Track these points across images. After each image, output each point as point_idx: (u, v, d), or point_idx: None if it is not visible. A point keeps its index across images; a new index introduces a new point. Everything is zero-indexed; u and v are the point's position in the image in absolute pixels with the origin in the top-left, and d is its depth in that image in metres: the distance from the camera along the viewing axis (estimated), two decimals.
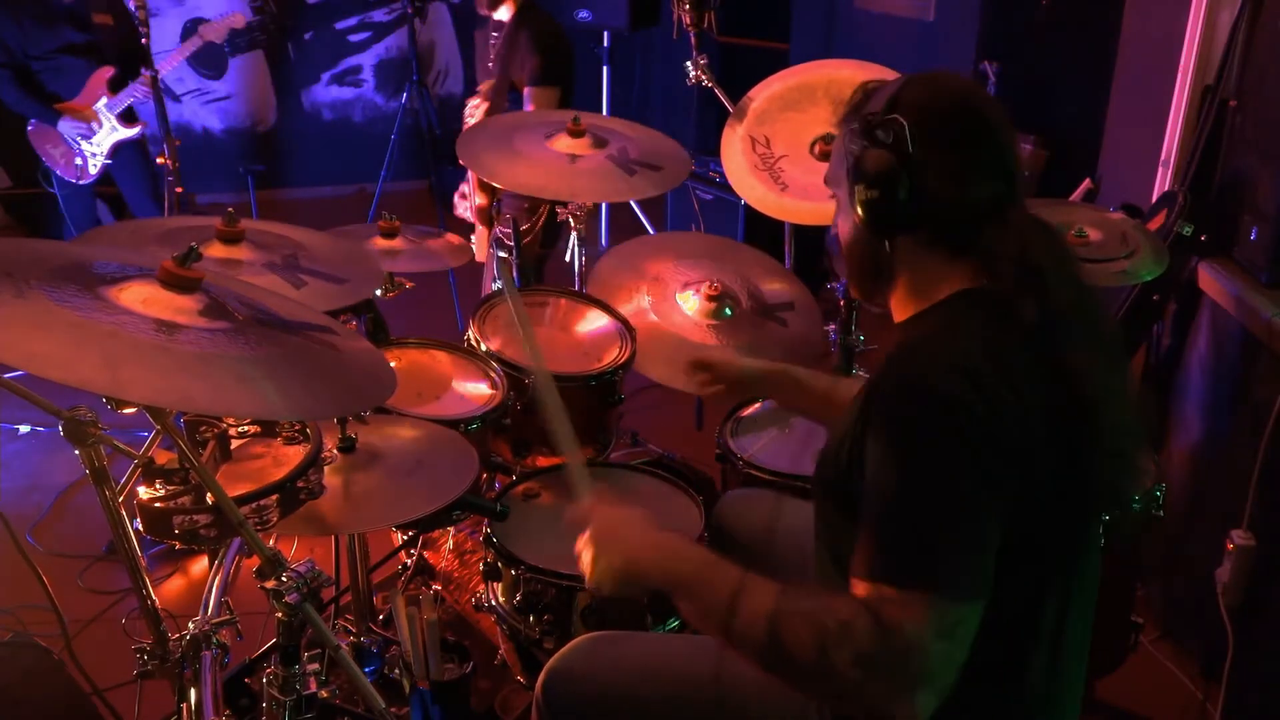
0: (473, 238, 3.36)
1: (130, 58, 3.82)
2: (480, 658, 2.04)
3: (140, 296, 1.26)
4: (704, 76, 2.92)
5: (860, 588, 1.11)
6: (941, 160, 1.22)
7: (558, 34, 3.55)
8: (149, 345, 1.18)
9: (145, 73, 3.53)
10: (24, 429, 3.47)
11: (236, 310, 1.34)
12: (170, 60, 3.90)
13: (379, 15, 6.21)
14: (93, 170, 3.85)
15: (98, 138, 3.79)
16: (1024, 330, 1.17)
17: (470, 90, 6.45)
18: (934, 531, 1.10)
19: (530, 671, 1.91)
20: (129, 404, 1.35)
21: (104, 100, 3.77)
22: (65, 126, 3.77)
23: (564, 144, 2.52)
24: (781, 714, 1.40)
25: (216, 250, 1.83)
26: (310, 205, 5.89)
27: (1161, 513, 2.01)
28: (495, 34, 3.60)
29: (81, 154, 3.82)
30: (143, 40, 3.40)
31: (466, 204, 3.62)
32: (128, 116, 3.80)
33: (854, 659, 1.06)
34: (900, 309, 1.33)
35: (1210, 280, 2.46)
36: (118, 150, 3.82)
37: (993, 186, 1.24)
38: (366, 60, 6.26)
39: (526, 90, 3.45)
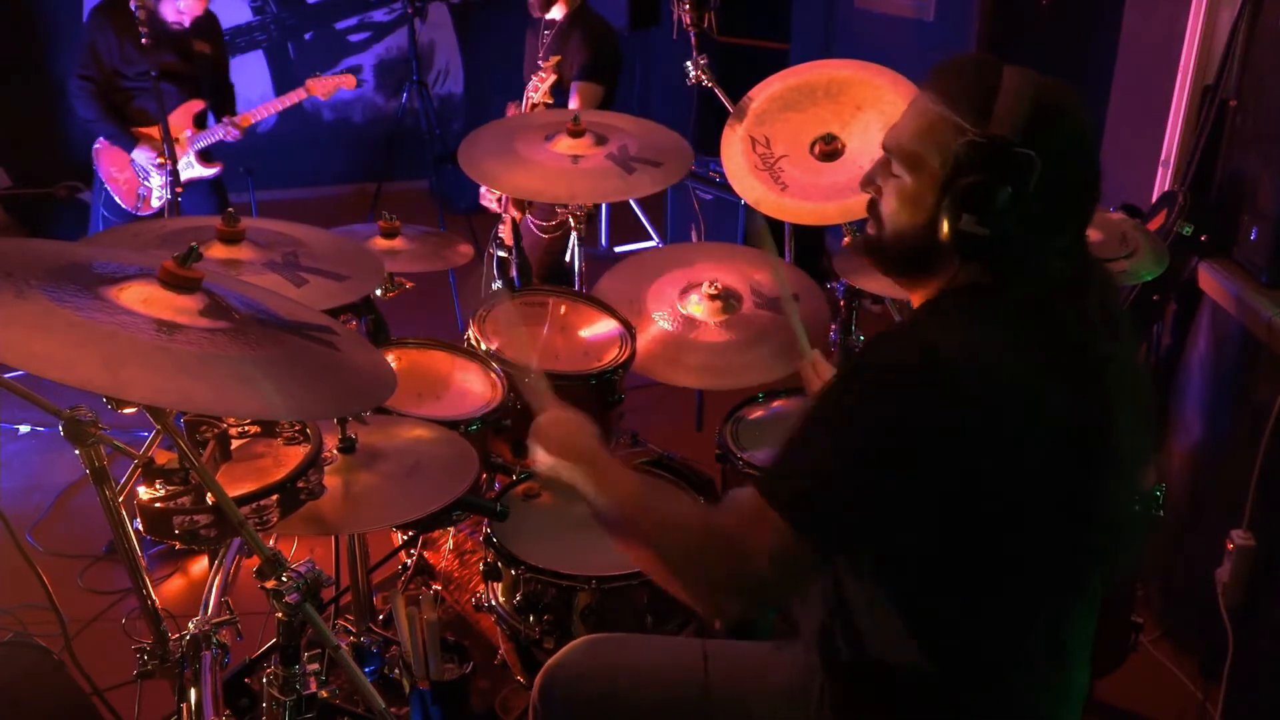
0: (500, 228, 3.36)
1: (219, 92, 3.74)
2: (480, 658, 2.04)
3: (140, 296, 1.26)
4: (704, 76, 2.91)
5: (746, 493, 1.15)
6: (1051, 210, 1.15)
7: (610, 34, 3.60)
8: (149, 345, 1.18)
9: (232, 119, 3.51)
10: (24, 429, 3.47)
11: (237, 310, 1.34)
12: (266, 109, 3.80)
13: (379, 15, 6.21)
14: (154, 204, 3.70)
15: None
16: (1053, 344, 1.14)
17: (471, 90, 6.50)
18: (828, 475, 1.12)
19: (530, 671, 1.91)
20: (129, 404, 1.35)
21: (187, 133, 3.66)
22: (141, 154, 3.63)
23: (565, 145, 2.51)
24: (779, 714, 1.40)
25: (217, 250, 1.83)
26: (310, 205, 5.89)
27: (1161, 513, 2.01)
28: (547, 32, 3.61)
29: (148, 184, 3.69)
30: (139, 33, 3.29)
31: (493, 196, 3.62)
32: (206, 155, 3.70)
33: (694, 552, 1.16)
34: (921, 295, 1.28)
35: (1210, 280, 2.46)
36: (189, 186, 3.67)
37: (1074, 234, 1.21)
38: (366, 60, 6.26)
39: (574, 84, 3.47)
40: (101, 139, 3.70)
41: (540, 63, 3.54)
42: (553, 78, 3.32)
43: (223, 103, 3.85)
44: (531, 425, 1.42)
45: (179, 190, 3.41)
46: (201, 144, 3.71)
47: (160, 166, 3.62)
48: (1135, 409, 1.18)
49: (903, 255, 1.25)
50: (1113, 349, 1.17)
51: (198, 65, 3.70)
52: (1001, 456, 1.10)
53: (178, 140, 3.65)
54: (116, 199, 3.74)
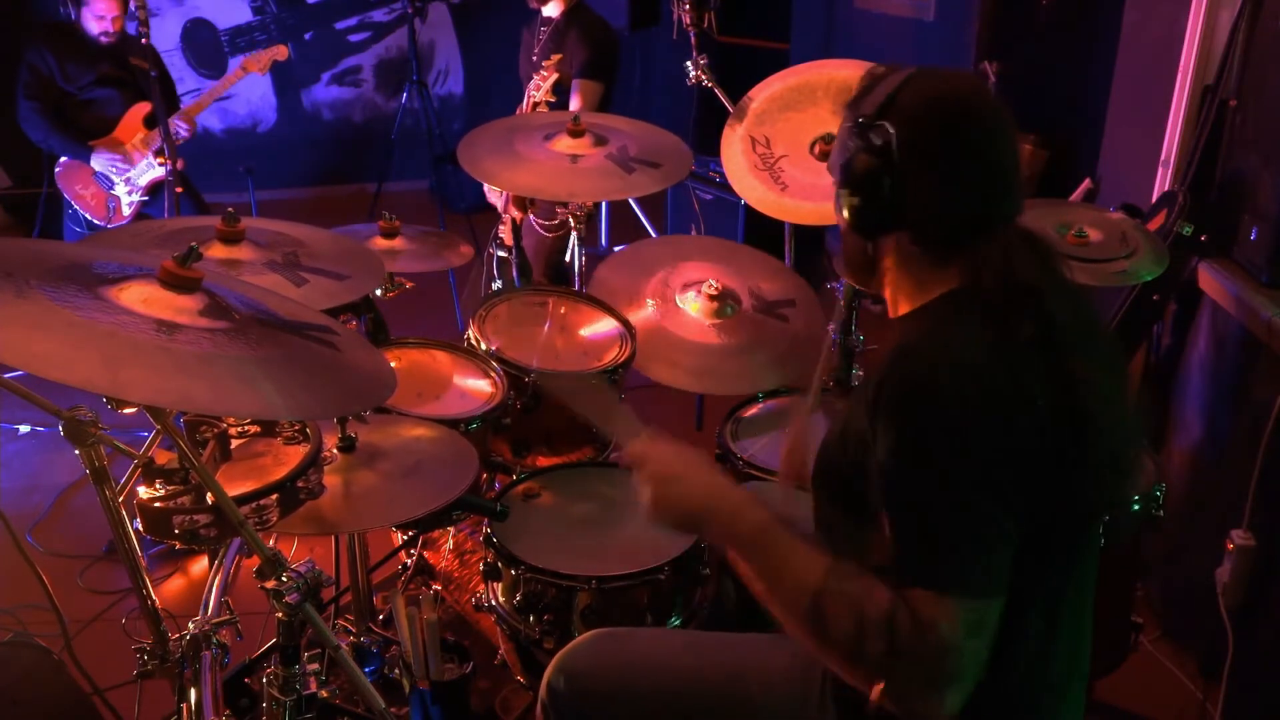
0: (500, 228, 3.36)
1: (168, 97, 3.75)
2: (480, 658, 2.04)
3: (140, 296, 1.26)
4: (704, 76, 2.92)
5: (896, 586, 1.12)
6: (926, 172, 1.22)
7: (608, 31, 3.59)
8: (149, 345, 1.18)
9: (179, 112, 3.51)
10: (24, 429, 3.47)
11: (237, 310, 1.34)
12: (208, 96, 3.83)
13: (379, 15, 6.21)
14: (125, 211, 3.73)
15: (134, 173, 3.70)
16: (1021, 336, 1.17)
17: (471, 90, 6.50)
18: (957, 535, 1.12)
19: (530, 671, 1.91)
20: (129, 404, 1.35)
21: (141, 135, 3.70)
22: (100, 160, 3.67)
23: (564, 144, 2.52)
24: (785, 708, 1.40)
25: (217, 250, 1.83)
26: (310, 205, 5.89)
27: (1161, 513, 2.01)
28: (543, 29, 3.61)
29: (114, 193, 3.72)
30: (142, 40, 3.36)
31: (496, 192, 3.63)
32: (164, 153, 3.70)
33: (889, 650, 1.09)
34: (894, 304, 1.34)
35: (1210, 280, 2.46)
36: (156, 189, 3.72)
37: (979, 201, 1.24)
38: (366, 60, 6.26)
39: (575, 83, 3.47)
40: (61, 162, 3.75)
41: (536, 60, 3.54)
42: (555, 76, 3.32)
43: (169, 105, 3.86)
44: (634, 459, 1.32)
45: (179, 190, 3.41)
46: (158, 143, 3.71)
47: (121, 171, 3.69)
48: (1102, 364, 1.22)
49: (847, 254, 1.36)
50: (1060, 308, 1.20)
51: (136, 74, 3.73)
52: (1019, 452, 1.13)
53: (132, 143, 3.71)
54: (88, 216, 3.78)
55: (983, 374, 1.14)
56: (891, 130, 1.21)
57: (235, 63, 4.02)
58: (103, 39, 3.68)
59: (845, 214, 1.29)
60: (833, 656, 1.16)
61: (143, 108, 3.72)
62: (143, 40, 3.34)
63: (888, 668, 1.10)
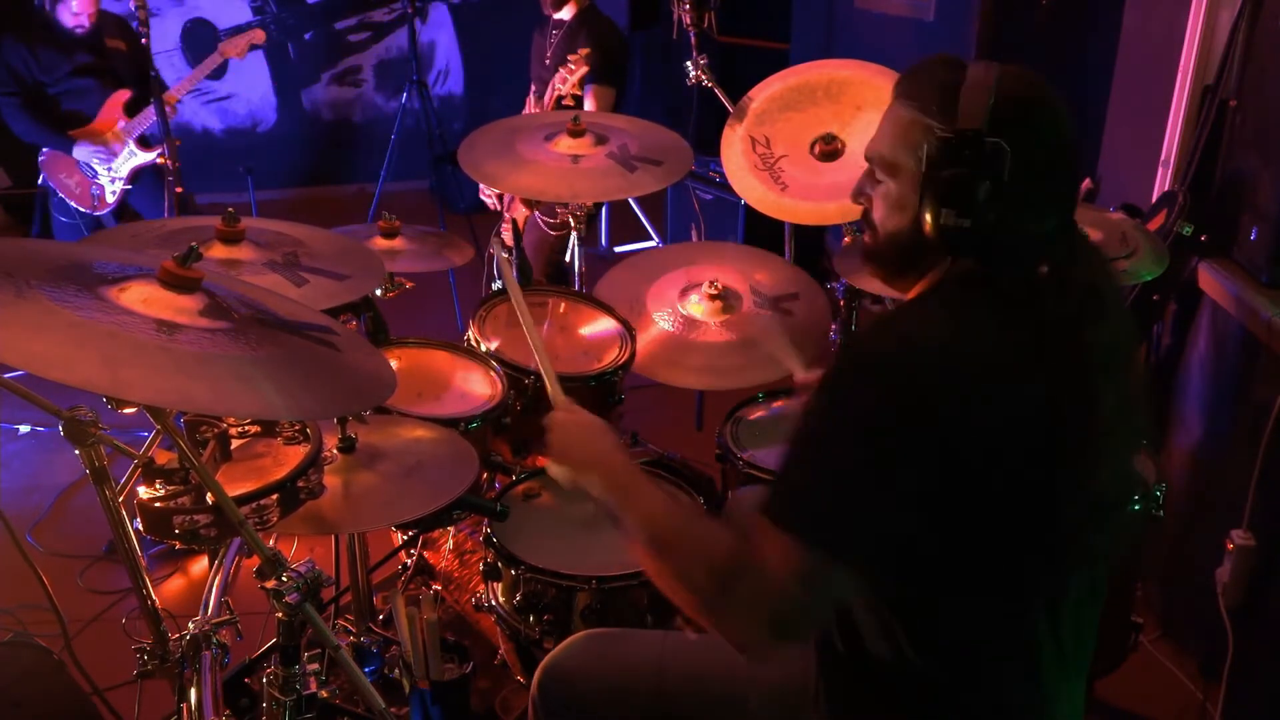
0: (500, 228, 3.36)
1: (145, 80, 3.77)
2: (480, 658, 2.04)
3: (140, 296, 1.26)
4: (704, 76, 2.91)
5: (753, 519, 1.14)
6: (1032, 195, 1.16)
7: (618, 35, 3.61)
8: (149, 345, 1.18)
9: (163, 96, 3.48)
10: (24, 429, 3.47)
11: (236, 310, 1.34)
12: (189, 81, 3.84)
13: (379, 15, 6.21)
14: (109, 199, 3.75)
15: (116, 162, 3.71)
16: (1039, 327, 1.14)
17: (471, 90, 6.50)
18: (824, 482, 1.12)
19: (530, 671, 1.90)
20: (129, 404, 1.35)
21: (121, 124, 3.71)
22: (81, 151, 3.68)
23: (565, 145, 2.52)
24: (777, 710, 1.40)
25: (217, 250, 1.83)
26: (310, 205, 5.89)
27: (1161, 513, 2.01)
28: (555, 31, 3.62)
29: (98, 182, 3.73)
30: (142, 40, 3.36)
31: (491, 193, 3.63)
32: (145, 141, 3.73)
33: (721, 584, 1.12)
34: (908, 290, 1.30)
35: (1210, 280, 2.46)
36: (137, 176, 3.75)
37: (1057, 220, 1.20)
38: (366, 60, 6.26)
39: (588, 88, 3.47)
40: (45, 150, 3.78)
41: (549, 63, 3.54)
42: (584, 69, 3.32)
43: (150, 90, 3.87)
44: (546, 425, 1.42)
45: (179, 191, 3.41)
46: (138, 131, 3.74)
47: (104, 160, 3.70)
48: (1121, 390, 1.20)
49: (897, 257, 1.28)
50: (1097, 332, 1.17)
51: (114, 60, 3.76)
52: (980, 445, 1.11)
53: (112, 132, 3.72)
54: (72, 204, 3.80)
55: (944, 351, 1.12)
56: (1008, 151, 1.13)
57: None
58: (78, 31, 3.69)
59: (934, 233, 1.17)
60: (682, 598, 1.18)
61: (121, 95, 3.74)
62: (143, 40, 3.35)
63: (720, 603, 1.13)
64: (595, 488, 1.35)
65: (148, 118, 3.71)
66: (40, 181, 3.90)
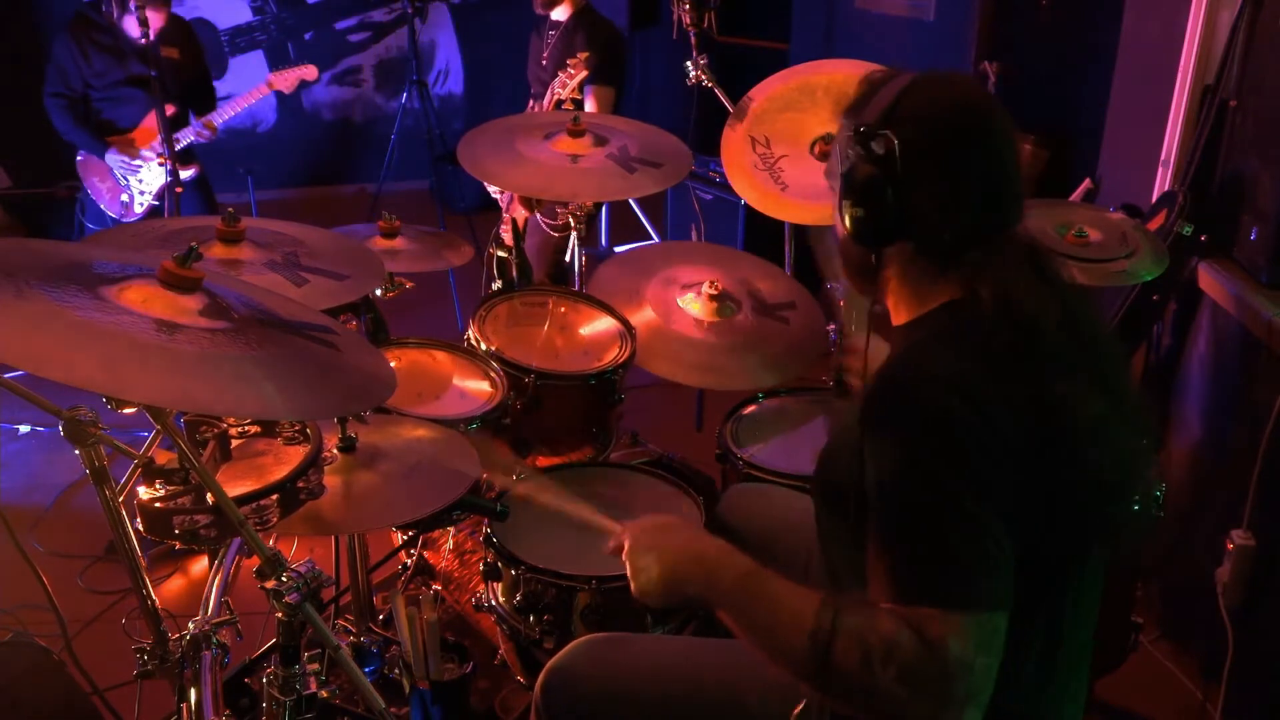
0: (500, 228, 3.36)
1: (193, 95, 3.75)
2: (480, 658, 2.04)
3: (140, 296, 1.26)
4: (704, 76, 2.92)
5: (897, 606, 1.10)
6: (930, 182, 1.21)
7: (615, 34, 3.60)
8: (149, 345, 1.18)
9: (203, 119, 3.53)
10: (24, 429, 3.47)
11: (236, 310, 1.34)
12: (235, 105, 3.82)
13: (379, 15, 6.21)
14: (138, 209, 3.72)
15: (144, 174, 3.69)
16: (1010, 349, 1.17)
17: (471, 90, 6.50)
18: (957, 547, 1.09)
19: (530, 671, 1.91)
20: (129, 404, 1.35)
21: (157, 140, 3.63)
22: (113, 159, 3.67)
23: (565, 144, 2.52)
24: (780, 715, 1.40)
25: (217, 250, 1.83)
26: (310, 205, 5.89)
27: (1161, 513, 2.01)
28: (551, 32, 3.61)
29: (129, 190, 3.71)
30: (143, 40, 3.34)
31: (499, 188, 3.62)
32: (183, 157, 3.68)
33: (899, 676, 1.06)
34: (896, 312, 1.33)
35: (1210, 280, 2.46)
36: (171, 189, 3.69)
37: (981, 210, 1.23)
38: (366, 60, 6.26)
39: (586, 89, 3.46)
40: (82, 151, 3.76)
41: (546, 65, 3.54)
42: (584, 73, 3.31)
43: (202, 104, 3.86)
44: (630, 540, 1.33)
45: (179, 190, 3.41)
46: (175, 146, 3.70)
47: (132, 171, 3.69)
48: (1110, 386, 1.22)
49: (847, 266, 1.35)
50: (1067, 349, 1.19)
51: (165, 72, 3.69)
52: (1005, 460, 1.12)
53: (147, 147, 3.70)
54: (102, 207, 3.79)
55: (965, 386, 1.13)
56: (894, 139, 1.19)
57: (261, 76, 4.00)
58: (141, 41, 3.60)
59: (847, 224, 1.26)
60: (847, 696, 1.12)
61: (165, 110, 3.69)
62: (143, 41, 3.34)
63: (901, 697, 1.07)
64: (690, 595, 1.27)
65: (186, 134, 3.69)
66: (79, 192, 3.87)
